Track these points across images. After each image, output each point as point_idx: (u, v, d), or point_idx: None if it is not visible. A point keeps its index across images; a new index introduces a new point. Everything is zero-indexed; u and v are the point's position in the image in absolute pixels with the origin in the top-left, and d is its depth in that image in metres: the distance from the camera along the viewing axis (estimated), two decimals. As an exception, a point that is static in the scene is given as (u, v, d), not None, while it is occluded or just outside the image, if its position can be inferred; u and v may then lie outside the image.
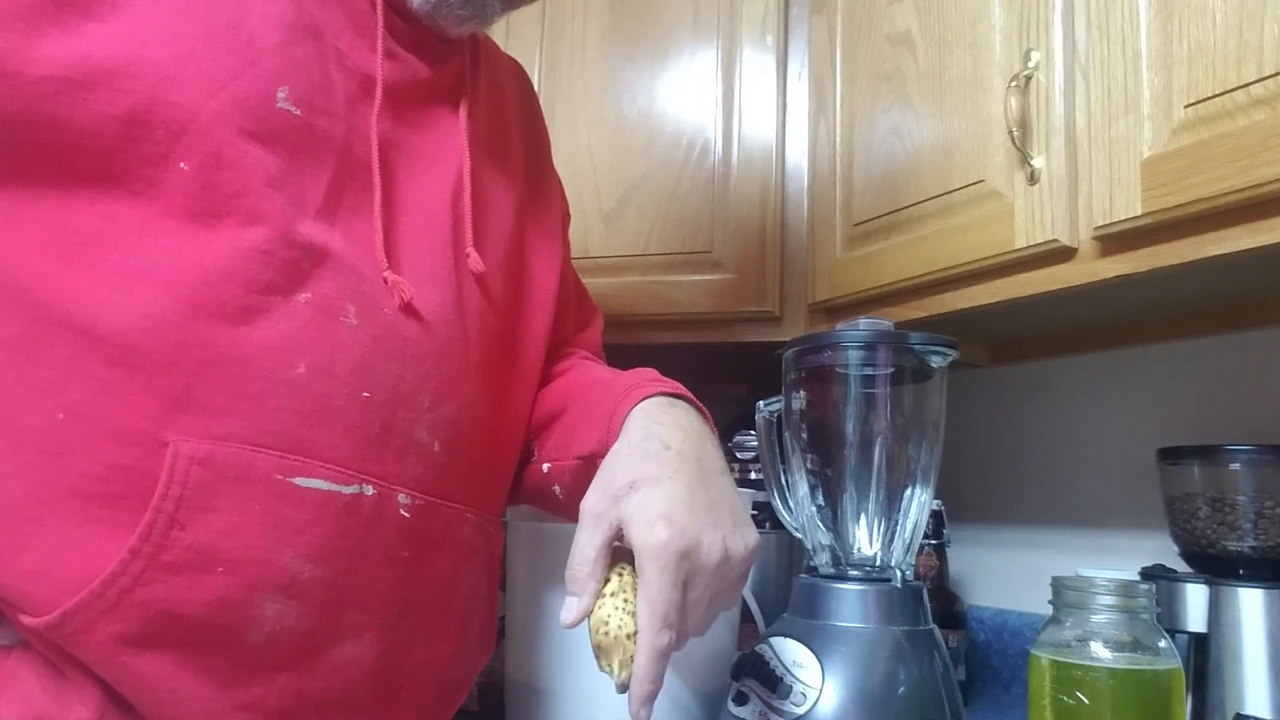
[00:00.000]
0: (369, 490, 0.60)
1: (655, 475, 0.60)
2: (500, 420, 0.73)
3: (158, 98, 0.54)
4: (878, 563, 0.88)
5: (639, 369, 0.76)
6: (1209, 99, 0.70)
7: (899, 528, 0.88)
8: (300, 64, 0.60)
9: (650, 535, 0.57)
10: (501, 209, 0.75)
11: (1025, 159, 0.83)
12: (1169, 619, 0.82)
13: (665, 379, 0.73)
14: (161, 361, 0.54)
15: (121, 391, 0.54)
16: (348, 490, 0.59)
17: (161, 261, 0.54)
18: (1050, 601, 0.75)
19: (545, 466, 0.76)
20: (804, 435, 0.89)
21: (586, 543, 0.60)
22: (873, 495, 0.89)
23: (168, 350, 0.54)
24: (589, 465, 0.70)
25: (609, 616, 0.58)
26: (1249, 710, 0.79)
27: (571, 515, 0.77)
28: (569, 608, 0.59)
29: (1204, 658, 0.82)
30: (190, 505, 0.54)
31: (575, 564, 0.60)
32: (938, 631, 0.82)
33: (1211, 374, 1.03)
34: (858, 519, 0.89)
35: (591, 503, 0.61)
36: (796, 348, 0.89)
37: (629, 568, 0.60)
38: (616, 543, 0.61)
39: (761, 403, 0.91)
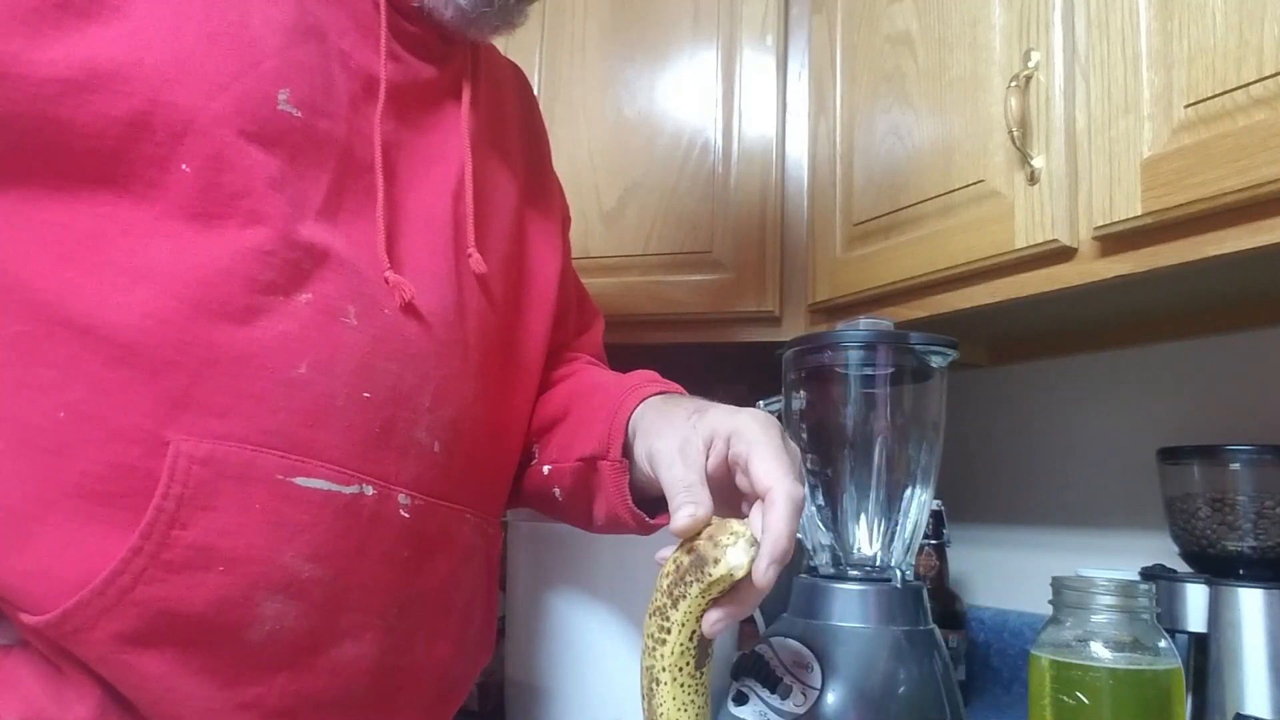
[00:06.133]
0: (369, 490, 0.60)
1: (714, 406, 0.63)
2: (500, 421, 0.73)
3: (159, 99, 0.54)
4: (878, 563, 0.88)
5: (639, 371, 0.76)
6: (1209, 99, 0.70)
7: (899, 528, 0.88)
8: (302, 66, 0.60)
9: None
10: (502, 210, 0.75)
11: (1025, 159, 0.83)
12: (1169, 619, 0.82)
13: (665, 380, 0.73)
14: (162, 361, 0.54)
15: (122, 391, 0.54)
16: (348, 490, 0.59)
17: (163, 262, 0.54)
18: (1050, 601, 0.75)
19: (546, 469, 0.76)
20: (804, 435, 0.89)
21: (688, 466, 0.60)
22: (873, 495, 0.89)
23: (169, 350, 0.54)
24: (589, 467, 0.70)
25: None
26: (1249, 710, 0.79)
27: (571, 518, 0.77)
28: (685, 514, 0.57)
29: (1204, 658, 0.82)
30: (191, 504, 0.54)
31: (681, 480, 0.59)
32: (938, 631, 0.82)
33: (1211, 374, 1.03)
34: (858, 519, 0.89)
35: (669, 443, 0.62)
36: (796, 348, 0.89)
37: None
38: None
39: (761, 402, 0.91)
